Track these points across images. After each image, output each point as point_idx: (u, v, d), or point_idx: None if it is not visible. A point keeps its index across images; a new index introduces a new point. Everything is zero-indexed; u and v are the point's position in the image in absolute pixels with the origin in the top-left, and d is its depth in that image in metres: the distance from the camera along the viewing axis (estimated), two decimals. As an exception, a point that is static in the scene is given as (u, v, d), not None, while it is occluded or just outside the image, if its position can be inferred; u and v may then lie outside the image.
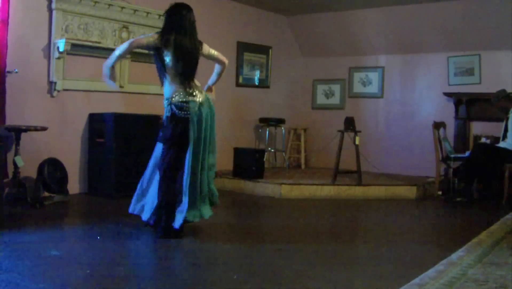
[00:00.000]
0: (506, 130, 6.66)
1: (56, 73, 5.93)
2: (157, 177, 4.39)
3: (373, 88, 8.88)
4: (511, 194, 6.38)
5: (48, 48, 5.92)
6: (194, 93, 4.29)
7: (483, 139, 7.38)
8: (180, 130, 4.25)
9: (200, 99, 4.31)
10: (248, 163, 7.07)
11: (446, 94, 8.01)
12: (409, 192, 6.91)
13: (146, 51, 6.69)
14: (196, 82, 4.42)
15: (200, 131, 4.29)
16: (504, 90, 6.80)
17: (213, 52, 4.54)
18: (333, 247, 4.21)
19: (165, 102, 4.34)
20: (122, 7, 6.47)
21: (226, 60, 4.65)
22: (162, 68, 4.29)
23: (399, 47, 8.51)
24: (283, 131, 8.74)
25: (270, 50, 8.93)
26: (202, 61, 4.44)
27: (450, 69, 8.09)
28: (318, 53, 9.36)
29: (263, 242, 4.33)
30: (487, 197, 6.80)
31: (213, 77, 4.71)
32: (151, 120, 6.47)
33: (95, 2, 6.16)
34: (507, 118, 6.68)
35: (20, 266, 3.28)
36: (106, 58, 6.33)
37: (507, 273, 3.32)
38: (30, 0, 5.76)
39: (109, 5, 6.33)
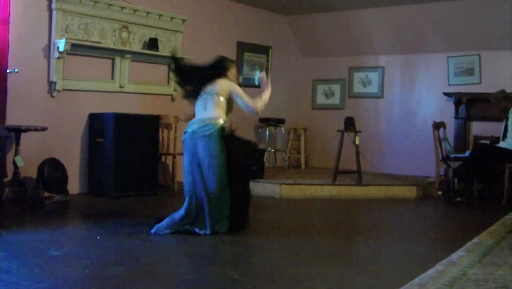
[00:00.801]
0: (506, 130, 6.66)
1: (56, 73, 5.93)
2: None
3: (373, 88, 8.88)
4: (511, 194, 6.38)
5: (48, 48, 5.92)
6: (195, 123, 4.49)
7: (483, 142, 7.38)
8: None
9: (195, 128, 4.45)
10: (248, 163, 7.05)
11: (446, 94, 8.01)
12: (409, 192, 6.91)
13: (146, 51, 6.74)
14: (214, 112, 4.48)
15: (193, 159, 4.43)
16: (503, 91, 6.79)
17: (235, 93, 4.62)
18: (333, 247, 4.21)
19: None
20: (122, 7, 6.47)
21: (253, 108, 4.58)
22: None
23: (399, 47, 8.51)
24: (283, 131, 8.74)
25: (270, 50, 8.93)
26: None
27: (450, 69, 8.09)
28: (318, 53, 9.36)
29: (263, 242, 4.33)
30: (487, 197, 6.80)
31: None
32: (151, 120, 6.47)
33: (95, 2, 6.16)
34: (507, 119, 6.68)
35: (20, 266, 3.27)
36: (106, 58, 6.44)
37: (507, 273, 3.32)
38: (30, 0, 5.76)
39: (109, 5, 6.33)
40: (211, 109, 4.50)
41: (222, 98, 4.53)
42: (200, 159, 4.40)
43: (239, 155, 4.54)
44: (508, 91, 6.83)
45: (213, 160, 4.38)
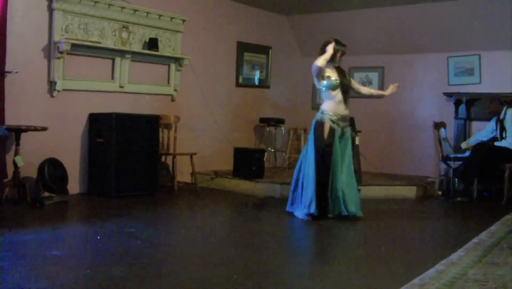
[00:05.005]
0: (502, 130, 6.67)
1: (56, 73, 5.93)
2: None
3: (373, 88, 8.87)
4: (511, 194, 6.38)
5: (48, 48, 5.92)
6: None
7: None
8: None
9: None
10: (248, 163, 7.07)
11: (446, 94, 8.01)
12: (409, 192, 6.91)
13: (146, 51, 6.74)
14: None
15: None
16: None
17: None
18: (333, 247, 4.21)
19: None
20: (122, 7, 6.47)
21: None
22: None
23: (399, 47, 8.51)
24: (283, 131, 8.74)
25: (270, 50, 8.92)
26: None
27: (450, 69, 8.09)
28: (318, 53, 9.33)
29: (263, 242, 4.33)
30: (487, 197, 6.80)
31: None
32: (151, 120, 6.47)
33: (95, 2, 6.16)
34: (500, 120, 6.69)
35: (20, 266, 3.28)
36: (106, 58, 6.44)
37: (507, 273, 3.32)
38: (30, 0, 5.76)
39: (109, 5, 6.33)
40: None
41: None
42: None
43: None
44: (508, 91, 6.84)
45: None
